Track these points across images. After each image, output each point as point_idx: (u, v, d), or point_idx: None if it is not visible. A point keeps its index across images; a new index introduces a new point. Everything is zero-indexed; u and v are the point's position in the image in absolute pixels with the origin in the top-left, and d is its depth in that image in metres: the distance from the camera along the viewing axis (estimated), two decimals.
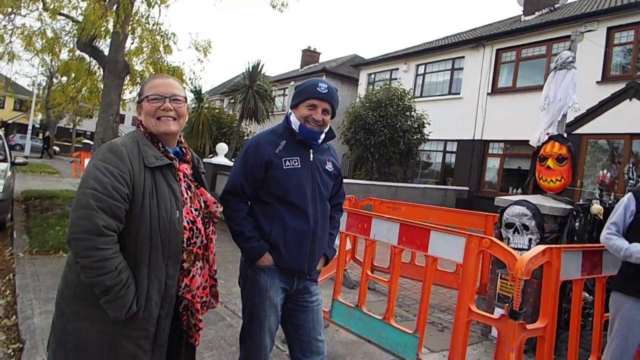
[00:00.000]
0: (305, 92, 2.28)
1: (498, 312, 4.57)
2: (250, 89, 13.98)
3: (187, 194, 1.81)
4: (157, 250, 1.67)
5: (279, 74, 30.34)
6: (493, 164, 15.93)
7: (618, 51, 13.16)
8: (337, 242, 3.21)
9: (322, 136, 2.34)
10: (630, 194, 2.88)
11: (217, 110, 16.05)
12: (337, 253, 3.46)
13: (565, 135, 4.88)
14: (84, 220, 1.55)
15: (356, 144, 14.94)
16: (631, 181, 4.68)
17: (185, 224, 1.75)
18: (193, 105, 14.66)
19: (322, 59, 30.69)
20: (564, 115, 4.93)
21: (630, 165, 4.71)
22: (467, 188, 15.80)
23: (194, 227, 1.79)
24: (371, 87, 20.42)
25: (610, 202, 4.65)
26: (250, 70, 14.32)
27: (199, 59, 9.50)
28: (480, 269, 4.87)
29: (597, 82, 12.90)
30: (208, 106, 15.36)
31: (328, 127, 2.38)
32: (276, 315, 2.30)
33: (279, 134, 2.32)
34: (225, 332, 3.98)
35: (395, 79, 19.01)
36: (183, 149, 1.94)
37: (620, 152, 12.01)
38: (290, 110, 2.38)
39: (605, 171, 4.79)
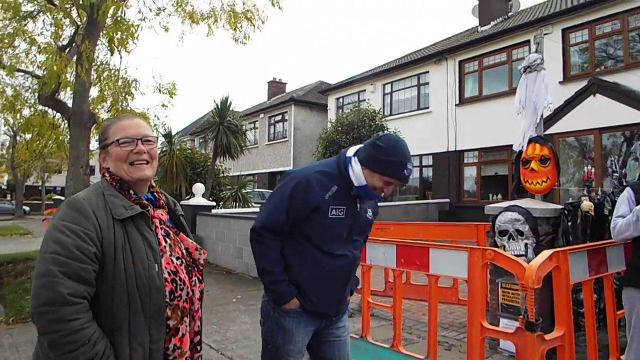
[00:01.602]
0: (391, 169, 2.03)
1: (503, 322, 4.44)
2: (221, 125, 13.84)
3: (166, 241, 1.61)
4: (136, 311, 1.47)
5: (247, 107, 30.37)
6: (470, 173, 16.06)
7: (575, 51, 13.57)
8: None
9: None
10: (628, 188, 2.85)
11: (190, 151, 15.79)
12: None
13: (543, 136, 4.88)
14: (45, 290, 1.35)
15: None
16: (615, 174, 4.69)
17: (166, 275, 1.55)
18: (164, 149, 14.41)
19: (288, 89, 30.89)
20: (541, 117, 4.94)
21: (613, 159, 4.73)
22: (447, 200, 15.85)
23: (177, 278, 1.58)
24: (340, 110, 20.56)
25: (598, 197, 4.64)
26: (219, 107, 14.20)
27: (163, 104, 9.33)
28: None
29: (560, 83, 13.24)
30: (180, 147, 15.12)
31: None
32: (301, 358, 2.21)
33: (331, 176, 2.10)
34: None
35: (364, 100, 19.19)
36: (155, 193, 1.74)
37: (590, 147, 12.24)
38: (352, 157, 2.12)
39: (590, 167, 4.79)
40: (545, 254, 2.68)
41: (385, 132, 2.25)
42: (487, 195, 15.06)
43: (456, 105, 16.23)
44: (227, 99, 14.28)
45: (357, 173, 2.07)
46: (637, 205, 2.73)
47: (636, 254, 2.77)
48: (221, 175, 15.85)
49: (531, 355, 2.51)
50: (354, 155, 2.11)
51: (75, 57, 7.49)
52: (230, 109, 14.54)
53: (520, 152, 4.93)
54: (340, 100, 21.87)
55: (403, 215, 13.43)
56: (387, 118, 17.00)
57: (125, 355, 1.44)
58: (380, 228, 6.12)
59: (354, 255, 2.22)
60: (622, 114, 11.06)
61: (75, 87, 7.69)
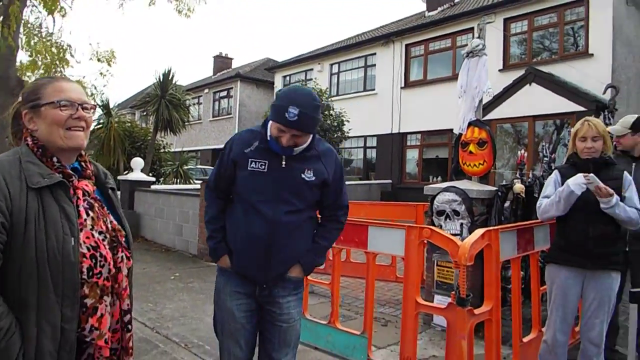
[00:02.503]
0: (276, 114, 2.07)
1: (437, 299, 4.60)
2: (163, 99, 13.32)
3: (88, 214, 1.50)
4: (46, 288, 1.35)
5: (192, 82, 29.42)
6: (412, 155, 16.45)
7: (514, 41, 14.06)
8: None
9: (299, 149, 2.15)
10: (556, 170, 2.98)
11: (129, 124, 15.12)
12: None
13: (482, 120, 5.03)
14: None
15: None
16: (546, 158, 4.93)
17: (84, 250, 1.43)
18: (101, 121, 13.71)
19: (235, 64, 30.17)
20: (480, 101, 5.08)
21: (544, 144, 4.97)
22: (390, 181, 16.17)
23: (97, 254, 1.47)
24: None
25: (529, 180, 4.86)
26: (161, 79, 13.66)
27: (101, 73, 8.85)
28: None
29: (500, 70, 13.71)
30: (118, 120, 14.44)
31: (311, 140, 2.19)
32: (235, 321, 2.19)
33: (255, 133, 2.22)
34: None
35: (311, 79, 19.06)
36: (83, 163, 1.62)
37: (525, 134, 12.83)
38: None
39: (523, 151, 5.00)
40: (478, 232, 2.77)
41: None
42: (428, 177, 15.48)
43: (401, 88, 16.48)
44: (169, 71, 13.76)
45: (269, 128, 2.17)
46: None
47: (559, 233, 2.93)
48: (162, 150, 15.35)
49: (460, 328, 2.61)
50: None
51: (1, 18, 6.92)
52: (174, 82, 14.02)
53: (460, 135, 5.07)
54: (288, 78, 21.65)
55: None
56: (333, 98, 16.99)
57: (32, 334, 1.34)
58: None
59: (290, 218, 2.12)
60: (555, 104, 11.64)
61: (1, 50, 7.13)
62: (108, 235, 1.54)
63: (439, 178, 14.90)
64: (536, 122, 12.32)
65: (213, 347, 3.74)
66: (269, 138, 2.14)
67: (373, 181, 16.33)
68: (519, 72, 12.64)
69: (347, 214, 2.39)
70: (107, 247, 1.52)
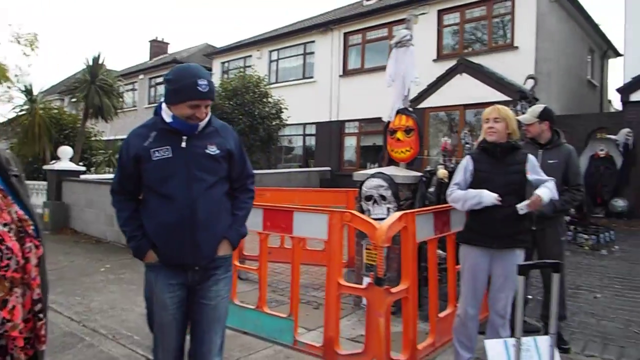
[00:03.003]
0: (185, 93, 2.12)
1: (367, 281, 4.78)
2: (93, 84, 12.71)
3: None
4: None
5: (126, 67, 28.25)
6: (350, 142, 16.72)
7: (447, 32, 14.53)
8: None
9: (204, 124, 2.22)
10: (468, 156, 3.15)
11: (56, 111, 14.33)
12: None
13: (410, 108, 5.22)
14: None
15: None
16: (467, 145, 5.20)
17: None
18: (25, 107, 12.93)
19: (171, 49, 29.27)
20: (409, 90, 5.26)
21: (466, 132, 5.23)
22: (329, 168, 16.37)
23: (3, 247, 1.44)
24: (226, 75, 20.03)
25: (452, 166, 5.11)
26: (91, 64, 13.04)
27: (25, 53, 8.36)
28: (347, 243, 5.05)
29: (434, 60, 14.16)
30: (44, 107, 13.65)
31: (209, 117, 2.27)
32: (168, 313, 2.20)
33: (149, 126, 2.26)
34: (86, 354, 3.57)
35: (250, 66, 18.87)
36: None
37: (457, 121, 13.37)
38: (162, 103, 2.25)
39: (446, 139, 5.23)
40: (395, 215, 2.92)
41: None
42: (365, 164, 15.79)
43: (340, 76, 16.66)
44: (99, 55, 13.15)
45: (166, 111, 2.21)
46: (474, 171, 3.04)
47: (470, 216, 3.12)
48: (93, 138, 14.71)
49: (379, 307, 2.75)
50: (163, 101, 2.25)
51: None
52: (104, 67, 13.42)
53: (389, 122, 5.24)
54: (226, 64, 21.28)
55: (285, 183, 13.63)
56: (272, 85, 16.94)
57: None
58: (258, 194, 6.15)
59: (205, 195, 2.17)
60: (483, 93, 12.18)
61: None
62: (14, 226, 1.50)
63: (376, 165, 15.25)
64: (466, 111, 12.86)
65: (142, 338, 3.71)
66: (170, 121, 2.18)
67: (312, 168, 16.47)
68: (452, 63, 13.11)
69: (254, 182, 2.49)
70: (13, 238, 1.48)
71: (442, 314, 3.45)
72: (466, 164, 3.09)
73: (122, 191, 2.30)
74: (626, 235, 8.95)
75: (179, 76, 2.15)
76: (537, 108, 3.95)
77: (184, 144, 2.17)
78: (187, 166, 2.15)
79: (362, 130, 16.32)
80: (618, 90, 11.78)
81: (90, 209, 9.05)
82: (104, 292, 5.25)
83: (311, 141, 17.82)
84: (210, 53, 22.51)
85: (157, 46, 28.83)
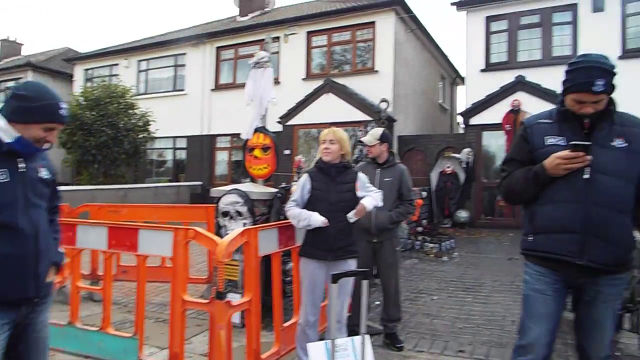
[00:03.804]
0: (45, 114, 1.99)
1: (231, 296, 4.86)
2: None
3: None
4: None
5: None
6: (222, 157, 16.65)
7: (316, 53, 15.24)
8: None
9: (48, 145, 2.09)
10: (306, 174, 3.40)
11: None
12: None
13: (266, 127, 5.45)
14: None
15: (74, 146, 13.54)
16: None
17: None
18: None
19: (26, 52, 26.57)
20: (266, 109, 5.50)
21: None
22: (200, 183, 16.10)
23: None
24: (89, 83, 18.75)
25: None
26: None
27: None
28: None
29: (303, 79, 14.75)
30: None
31: None
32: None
33: None
34: None
35: (116, 75, 17.91)
36: None
37: None
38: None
39: (300, 157, 5.54)
40: (237, 231, 3.06)
41: (24, 81, 2.17)
42: (237, 179, 15.81)
43: (211, 90, 16.56)
44: None
45: (5, 129, 1.98)
46: (311, 189, 3.29)
47: (307, 231, 3.34)
48: None
49: (219, 319, 2.86)
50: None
51: None
52: None
53: (247, 140, 5.42)
54: (90, 72, 19.92)
55: (153, 198, 13.13)
56: (141, 96, 16.29)
57: None
58: (113, 211, 5.92)
59: (42, 223, 2.07)
60: (348, 113, 13.00)
61: None
62: None
63: (249, 179, 15.33)
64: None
65: None
66: (10, 141, 1.97)
67: (182, 183, 16.07)
68: (320, 82, 13.79)
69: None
70: None
71: (287, 324, 3.65)
72: (304, 182, 3.33)
73: None
74: (465, 242, 10.13)
75: (39, 94, 2.01)
76: (378, 131, 4.35)
77: (22, 167, 2.01)
78: (25, 192, 2.01)
79: (234, 145, 16.34)
80: (461, 114, 13.35)
81: None
82: None
83: (182, 155, 17.40)
84: (72, 58, 20.92)
85: (9, 46, 26.00)
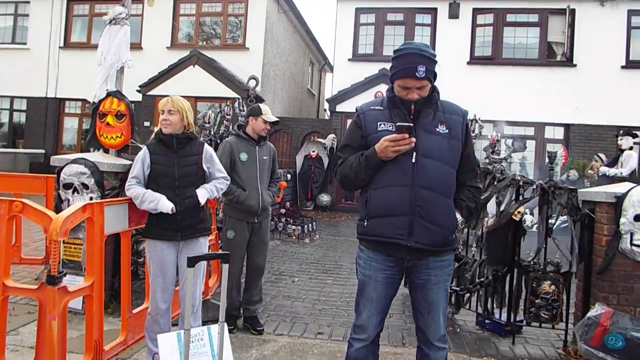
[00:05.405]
0: None
1: (65, 279, 4.28)
2: None
3: None
4: None
5: None
6: (71, 124, 14.96)
7: (184, 21, 14.31)
8: None
9: None
10: (145, 147, 3.06)
11: None
12: None
13: (123, 91, 4.90)
14: None
15: None
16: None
17: None
18: None
19: None
20: (122, 72, 4.94)
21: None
22: (42, 151, 14.29)
23: None
24: None
25: None
26: None
27: None
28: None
29: (167, 48, 13.81)
30: None
31: None
32: None
33: None
34: None
35: None
36: None
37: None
38: None
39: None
40: (77, 205, 2.65)
41: None
42: (88, 149, 14.36)
43: (60, 47, 14.68)
44: None
45: None
46: (151, 164, 2.99)
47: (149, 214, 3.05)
48: None
49: (51, 308, 2.44)
50: None
51: None
52: None
53: (98, 104, 4.83)
54: None
55: None
56: None
57: None
58: None
59: None
60: (215, 88, 12.49)
61: None
62: None
63: (102, 150, 13.98)
64: (198, 103, 12.93)
65: None
66: None
67: (21, 150, 14.12)
68: (186, 53, 13.00)
69: None
70: None
71: (136, 310, 3.32)
72: (143, 156, 3.00)
73: None
74: (326, 225, 10.42)
75: None
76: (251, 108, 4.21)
77: None
78: None
79: (86, 112, 14.71)
80: (327, 100, 13.66)
81: None
82: None
83: (21, 118, 15.22)
84: None
85: None
